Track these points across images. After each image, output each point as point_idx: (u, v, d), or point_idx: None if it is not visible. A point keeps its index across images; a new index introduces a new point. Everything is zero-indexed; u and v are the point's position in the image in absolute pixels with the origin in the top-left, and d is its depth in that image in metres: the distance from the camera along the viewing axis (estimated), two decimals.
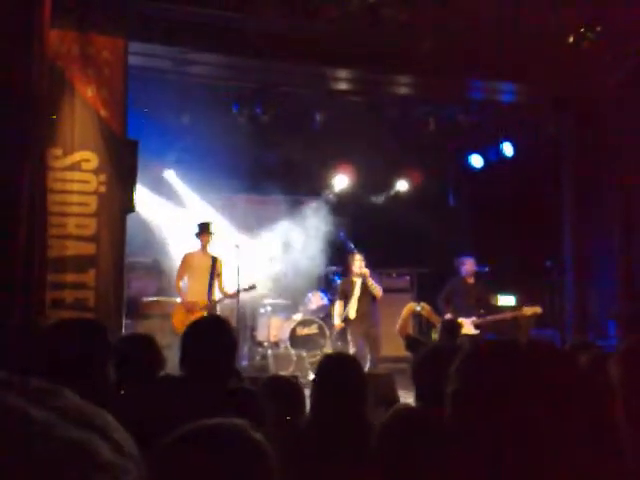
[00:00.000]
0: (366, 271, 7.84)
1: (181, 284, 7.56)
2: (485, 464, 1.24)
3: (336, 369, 2.77)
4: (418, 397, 2.56)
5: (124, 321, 6.40)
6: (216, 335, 2.70)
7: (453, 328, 6.58)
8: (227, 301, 7.72)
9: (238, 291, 7.49)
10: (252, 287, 7.66)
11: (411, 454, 1.75)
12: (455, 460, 1.32)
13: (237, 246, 7.72)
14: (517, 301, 9.34)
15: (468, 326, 7.75)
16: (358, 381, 2.69)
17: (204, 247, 7.61)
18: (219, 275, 7.56)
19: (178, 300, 7.61)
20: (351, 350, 7.55)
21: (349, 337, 7.91)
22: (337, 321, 7.99)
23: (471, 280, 8.20)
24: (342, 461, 2.30)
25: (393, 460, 1.79)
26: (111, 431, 0.56)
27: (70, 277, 5.68)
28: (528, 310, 7.75)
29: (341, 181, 10.43)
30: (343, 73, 8.06)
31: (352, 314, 7.80)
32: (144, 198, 8.83)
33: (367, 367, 7.66)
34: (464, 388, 1.28)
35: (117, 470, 0.52)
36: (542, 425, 1.22)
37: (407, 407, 2.09)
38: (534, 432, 1.21)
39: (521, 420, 1.23)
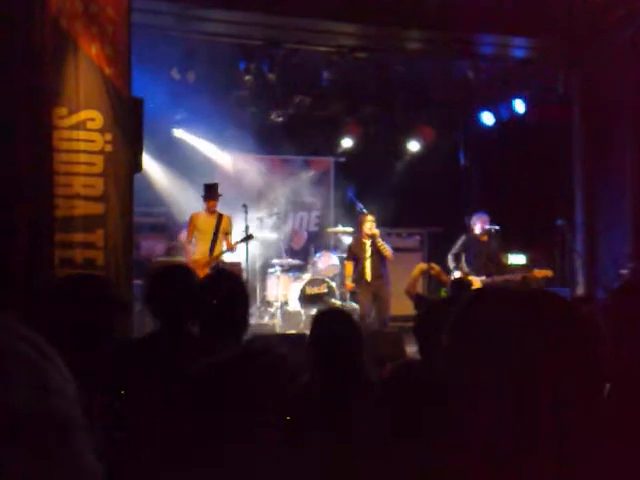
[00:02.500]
0: (376, 232, 7.82)
1: (189, 244, 7.59)
2: (483, 417, 1.23)
3: (328, 324, 2.76)
4: (421, 352, 2.55)
5: (134, 281, 6.42)
6: (227, 286, 2.71)
7: (464, 286, 6.56)
8: (236, 259, 7.75)
9: (236, 243, 7.53)
10: (249, 237, 7.64)
11: (410, 409, 1.74)
12: (453, 414, 1.31)
13: (244, 205, 7.70)
14: (527, 260, 9.30)
15: (478, 284, 7.73)
16: (351, 335, 2.68)
17: (210, 208, 7.61)
18: (227, 233, 7.57)
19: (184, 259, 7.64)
20: (358, 310, 7.58)
21: (357, 297, 7.94)
22: (348, 281, 8.00)
23: (484, 238, 8.14)
24: (342, 418, 2.30)
25: (392, 416, 1.79)
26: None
27: (78, 237, 5.68)
28: (539, 273, 7.73)
29: (350, 141, 10.34)
30: (350, 28, 7.91)
31: (368, 276, 7.79)
32: (151, 158, 8.81)
33: (377, 325, 7.71)
34: (458, 341, 1.26)
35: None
36: (539, 375, 1.20)
37: (408, 362, 2.08)
38: (532, 383, 1.20)
39: (518, 371, 1.21)
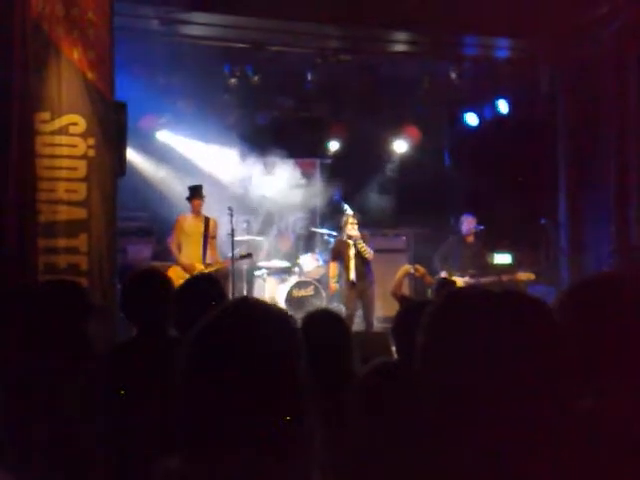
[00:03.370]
0: (357, 234, 7.81)
1: (176, 248, 7.57)
2: (454, 418, 1.23)
3: (317, 326, 2.77)
4: (398, 352, 2.56)
5: (119, 286, 6.40)
6: (208, 293, 2.70)
7: (447, 287, 6.58)
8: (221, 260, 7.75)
9: (232, 259, 7.50)
10: (248, 255, 7.67)
11: (382, 407, 1.75)
12: (425, 413, 1.32)
13: (230, 208, 7.70)
14: (513, 259, 9.34)
15: (462, 285, 7.76)
16: (341, 336, 2.70)
17: (196, 210, 7.59)
18: (213, 237, 7.57)
19: (170, 263, 7.61)
20: (344, 311, 7.57)
21: (343, 298, 7.94)
22: (331, 282, 8.01)
23: (470, 239, 8.20)
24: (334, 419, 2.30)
25: (367, 413, 1.80)
26: None
27: (62, 242, 5.66)
28: (522, 275, 7.80)
29: (335, 142, 10.35)
30: (334, 30, 7.92)
31: (352, 275, 7.80)
32: (136, 161, 8.79)
33: (359, 327, 7.72)
34: (432, 340, 1.26)
35: None
36: (511, 375, 1.21)
37: (384, 361, 2.09)
38: (503, 384, 1.20)
39: (489, 372, 1.21)
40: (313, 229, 9.43)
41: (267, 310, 1.30)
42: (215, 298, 2.71)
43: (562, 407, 1.24)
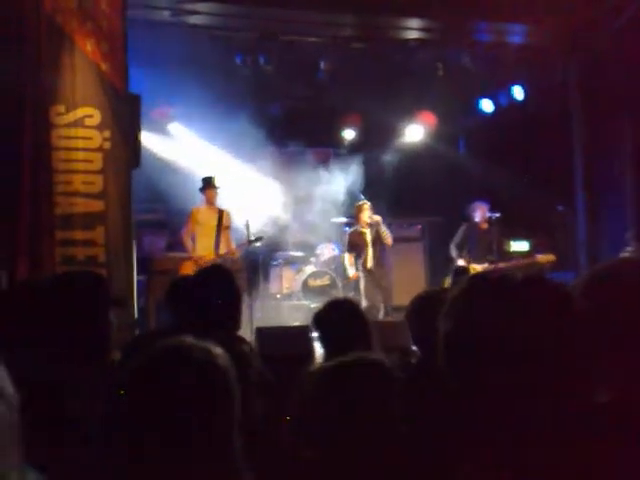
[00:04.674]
0: (378, 218, 7.80)
1: (189, 239, 7.56)
2: (482, 409, 1.22)
3: (335, 315, 2.77)
4: (415, 342, 2.55)
5: (137, 277, 6.43)
6: (220, 283, 2.70)
7: (464, 274, 6.55)
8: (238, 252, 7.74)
9: (243, 244, 7.48)
10: (259, 239, 7.60)
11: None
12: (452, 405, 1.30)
13: (245, 200, 7.70)
14: (531, 246, 9.28)
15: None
16: (359, 324, 2.69)
17: (209, 201, 7.59)
18: (227, 228, 7.56)
19: (186, 255, 7.61)
20: (363, 302, 7.55)
21: (362, 288, 7.91)
22: (351, 272, 7.95)
23: (485, 226, 8.16)
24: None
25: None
26: None
27: (79, 234, 5.70)
28: (542, 258, 7.75)
29: (350, 131, 10.30)
30: (347, 19, 7.88)
31: (370, 263, 7.79)
32: (150, 153, 8.79)
33: (381, 315, 7.70)
34: (455, 330, 1.24)
35: None
36: (536, 361, 1.19)
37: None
38: (529, 373, 1.18)
39: (516, 361, 1.19)
40: (332, 220, 9.40)
41: (191, 361, 1.33)
42: (223, 288, 2.69)
43: (584, 394, 1.22)
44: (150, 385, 1.29)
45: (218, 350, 1.36)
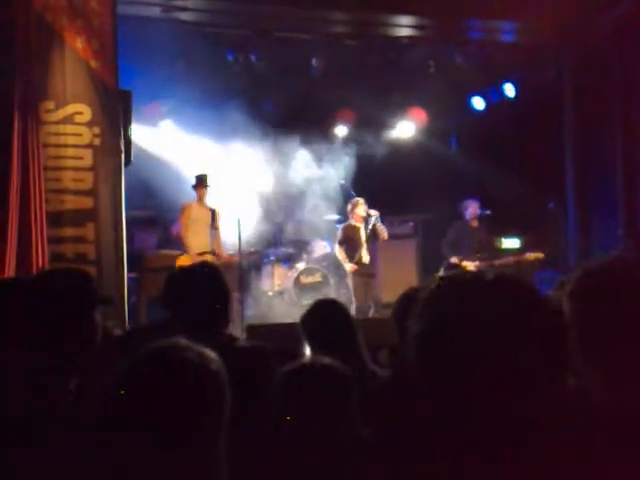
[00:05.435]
0: (375, 212, 7.84)
1: (186, 235, 7.51)
2: (450, 408, 1.22)
3: (320, 316, 2.79)
4: (401, 340, 2.56)
5: (127, 274, 6.42)
6: (206, 281, 2.69)
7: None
8: (231, 250, 7.74)
9: (243, 254, 7.50)
10: (255, 253, 7.67)
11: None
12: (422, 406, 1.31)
13: (236, 197, 7.70)
14: (521, 243, 9.32)
15: (472, 269, 7.77)
16: (346, 325, 2.71)
17: (201, 199, 7.59)
18: (217, 228, 7.56)
19: (181, 252, 7.59)
20: (353, 305, 7.55)
21: (350, 285, 7.93)
22: (348, 266, 7.93)
23: (475, 224, 8.21)
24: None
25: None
26: None
27: (69, 231, 5.70)
28: (531, 255, 7.87)
29: (341, 128, 10.30)
30: (339, 15, 7.87)
31: (365, 258, 7.85)
32: (141, 150, 8.77)
33: (371, 313, 7.72)
34: (425, 331, 1.25)
35: None
36: (504, 361, 1.19)
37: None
38: (502, 373, 1.19)
39: (486, 361, 1.20)
40: (326, 217, 9.41)
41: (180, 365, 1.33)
42: (211, 285, 2.69)
43: (557, 393, 1.23)
44: (139, 386, 1.29)
45: (211, 353, 1.36)
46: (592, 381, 1.37)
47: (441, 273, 7.58)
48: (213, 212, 7.54)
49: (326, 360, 1.91)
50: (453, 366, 1.19)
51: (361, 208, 7.91)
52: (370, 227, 7.85)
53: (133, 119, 6.29)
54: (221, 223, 7.66)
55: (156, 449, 1.25)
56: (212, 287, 2.66)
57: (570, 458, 1.20)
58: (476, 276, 1.31)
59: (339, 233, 8.16)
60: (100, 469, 1.31)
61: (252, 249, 7.84)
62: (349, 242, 7.97)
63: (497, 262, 7.83)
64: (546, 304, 1.24)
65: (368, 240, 7.90)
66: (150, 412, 1.26)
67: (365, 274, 7.87)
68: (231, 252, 7.77)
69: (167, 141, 9.33)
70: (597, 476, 1.22)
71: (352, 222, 8.03)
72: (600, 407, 1.34)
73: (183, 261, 7.30)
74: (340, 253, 8.03)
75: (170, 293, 2.71)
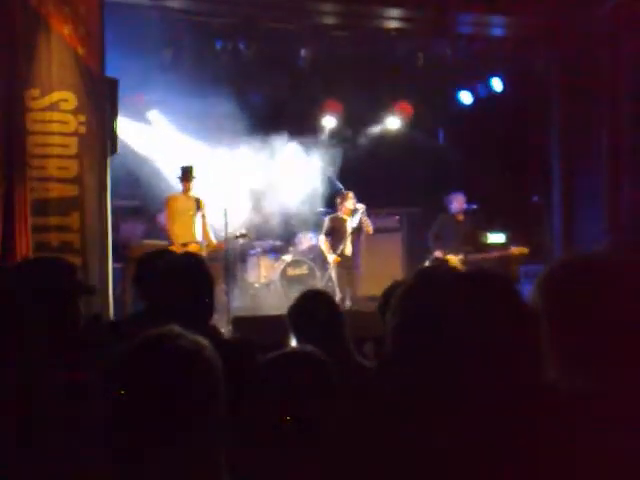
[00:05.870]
0: (362, 206, 7.87)
1: (173, 226, 7.48)
2: (425, 397, 1.23)
3: (308, 307, 2.79)
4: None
5: (113, 264, 6.38)
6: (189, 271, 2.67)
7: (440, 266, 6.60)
8: (215, 242, 7.72)
9: (230, 239, 7.46)
10: (243, 235, 7.62)
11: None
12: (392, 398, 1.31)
13: (223, 188, 7.67)
14: (507, 238, 9.36)
15: (456, 263, 7.79)
16: (334, 316, 2.71)
17: (186, 190, 7.57)
18: (203, 217, 7.54)
19: (166, 242, 7.55)
20: (338, 296, 7.58)
21: (334, 277, 7.96)
22: (331, 257, 7.96)
23: (460, 217, 8.23)
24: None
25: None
26: None
27: (54, 220, 5.65)
28: (515, 250, 7.91)
29: (329, 120, 10.28)
30: (328, 6, 7.84)
31: (348, 250, 7.91)
32: (129, 138, 8.71)
33: (347, 305, 7.75)
34: (402, 321, 1.26)
35: None
36: (477, 354, 1.20)
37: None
38: (469, 363, 1.19)
39: (457, 351, 1.21)
40: (313, 209, 9.41)
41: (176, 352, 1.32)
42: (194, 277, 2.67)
43: (529, 383, 1.24)
44: (134, 375, 1.28)
45: (205, 341, 1.36)
46: (561, 371, 1.38)
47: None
48: (198, 201, 7.52)
49: (307, 348, 1.91)
50: (426, 357, 1.20)
51: (350, 202, 7.98)
52: (357, 221, 7.88)
53: (120, 108, 6.23)
54: (207, 211, 7.63)
55: (155, 438, 1.24)
56: (196, 278, 2.64)
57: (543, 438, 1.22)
58: (450, 270, 1.33)
59: (325, 224, 8.18)
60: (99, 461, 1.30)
61: (243, 231, 7.75)
62: (335, 233, 8.02)
63: (482, 256, 7.88)
64: (519, 298, 1.26)
65: (353, 233, 7.93)
66: (147, 400, 1.25)
67: (346, 266, 7.95)
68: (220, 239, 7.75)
69: (154, 131, 9.25)
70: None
71: (339, 214, 8.06)
72: (568, 393, 1.35)
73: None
74: (325, 244, 8.06)
75: (149, 282, 2.68)
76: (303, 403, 1.74)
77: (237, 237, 7.54)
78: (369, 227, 7.97)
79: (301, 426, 1.69)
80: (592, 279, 1.42)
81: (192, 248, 7.19)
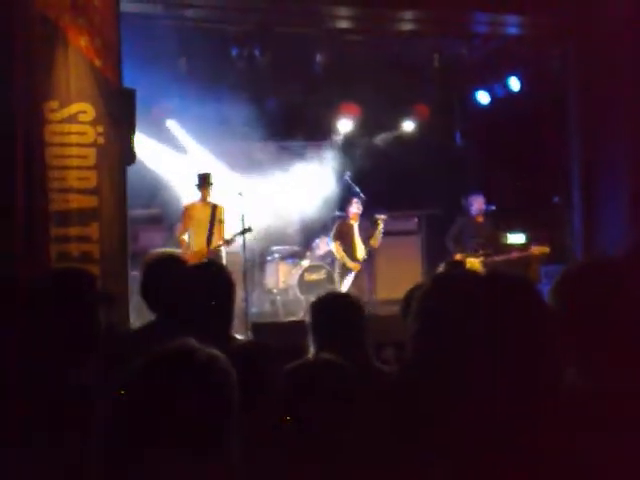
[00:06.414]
0: (384, 217, 8.01)
1: (185, 236, 7.53)
2: (447, 404, 1.22)
3: (330, 309, 2.76)
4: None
5: (132, 273, 6.41)
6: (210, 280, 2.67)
7: (457, 267, 6.55)
8: (235, 249, 7.71)
9: (235, 235, 7.44)
10: (247, 230, 7.54)
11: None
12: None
13: (240, 194, 7.67)
14: (527, 238, 9.29)
15: (477, 265, 7.74)
16: (355, 318, 2.68)
17: (204, 198, 7.58)
18: (221, 222, 7.53)
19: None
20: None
21: (349, 282, 8.04)
22: (351, 263, 8.05)
23: (480, 219, 8.18)
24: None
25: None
26: None
27: (74, 230, 5.69)
28: (536, 250, 7.81)
29: (345, 124, 10.27)
30: (342, 11, 7.84)
31: (360, 254, 8.01)
32: (147, 149, 8.76)
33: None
34: (423, 327, 1.25)
35: None
36: (498, 357, 1.19)
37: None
38: (495, 367, 1.19)
39: (481, 356, 1.20)
40: (330, 213, 9.42)
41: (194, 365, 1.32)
42: (214, 285, 2.66)
43: (550, 385, 1.23)
44: (150, 387, 1.29)
45: (219, 354, 1.36)
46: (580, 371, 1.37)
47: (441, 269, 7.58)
48: (214, 208, 7.53)
49: (328, 356, 1.90)
50: (448, 363, 1.19)
51: (354, 206, 8.12)
52: (380, 231, 8.01)
53: (138, 118, 6.26)
54: (226, 217, 7.63)
55: (171, 450, 1.24)
56: (217, 288, 2.64)
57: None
58: (468, 273, 1.32)
59: (333, 229, 8.28)
60: (109, 468, 1.30)
61: (246, 226, 7.64)
62: (343, 239, 8.08)
63: (502, 257, 7.82)
64: (539, 299, 1.24)
65: (360, 237, 8.07)
66: (163, 414, 1.25)
67: (360, 270, 8.10)
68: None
69: (173, 139, 9.28)
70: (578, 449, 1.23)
71: (347, 220, 8.17)
72: (582, 393, 1.34)
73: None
74: (338, 250, 8.12)
75: (162, 291, 2.68)
76: (323, 409, 1.73)
77: (241, 233, 7.46)
78: (375, 240, 8.07)
79: (320, 432, 1.69)
80: (607, 282, 1.41)
81: (204, 255, 7.21)
